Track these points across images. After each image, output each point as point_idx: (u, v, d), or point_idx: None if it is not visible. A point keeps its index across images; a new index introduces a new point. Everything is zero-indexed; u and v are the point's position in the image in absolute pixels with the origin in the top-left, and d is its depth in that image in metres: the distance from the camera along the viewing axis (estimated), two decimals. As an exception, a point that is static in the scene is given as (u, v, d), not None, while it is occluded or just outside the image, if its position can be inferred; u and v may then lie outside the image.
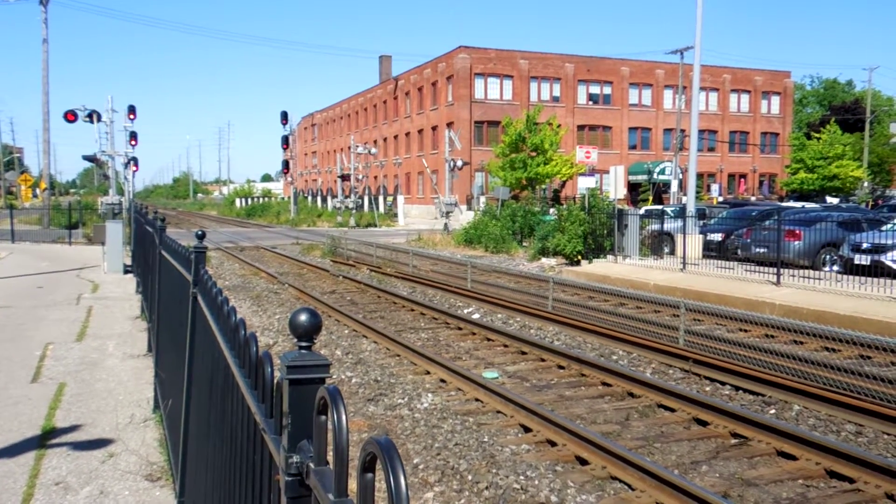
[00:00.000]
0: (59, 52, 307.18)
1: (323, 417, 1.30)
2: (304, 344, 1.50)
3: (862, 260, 15.45)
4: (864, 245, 15.77)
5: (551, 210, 31.00)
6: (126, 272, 18.35)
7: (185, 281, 4.36)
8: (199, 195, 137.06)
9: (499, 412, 7.79)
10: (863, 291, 14.01)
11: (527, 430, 7.23)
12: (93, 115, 26.02)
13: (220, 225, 52.21)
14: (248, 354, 2.02)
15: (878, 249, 15.33)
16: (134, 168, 28.60)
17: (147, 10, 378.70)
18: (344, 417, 1.16)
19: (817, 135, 55.42)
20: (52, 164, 41.80)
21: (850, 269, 15.50)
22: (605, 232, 22.63)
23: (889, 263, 14.97)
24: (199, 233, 4.75)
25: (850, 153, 54.02)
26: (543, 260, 23.53)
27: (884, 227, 16.55)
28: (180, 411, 4.38)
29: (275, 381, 1.70)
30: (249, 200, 75.37)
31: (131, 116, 26.79)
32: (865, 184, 54.60)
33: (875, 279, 14.22)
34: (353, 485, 1.12)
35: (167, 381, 5.87)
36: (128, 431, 6.43)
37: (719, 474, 6.21)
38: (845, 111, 64.17)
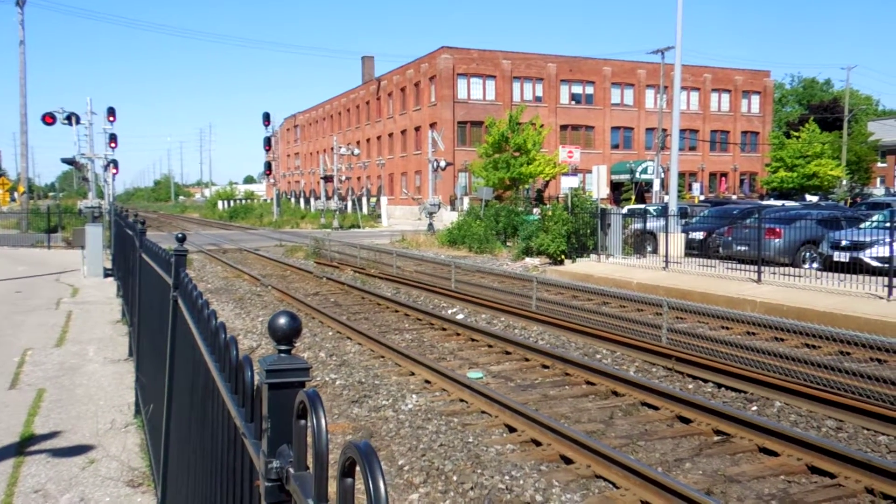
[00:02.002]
0: (36, 53, 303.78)
1: (303, 422, 1.29)
2: (283, 347, 1.49)
3: (841, 257, 15.62)
4: (843, 242, 15.95)
5: (535, 210, 31.07)
6: (106, 276, 18.16)
7: (166, 284, 4.32)
8: (181, 198, 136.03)
9: (483, 412, 7.79)
10: (842, 288, 14.18)
11: (511, 429, 7.23)
12: (71, 118, 25.66)
13: (202, 227, 51.83)
14: (227, 358, 2.00)
15: (857, 247, 15.50)
16: (114, 171, 28.28)
17: (126, 11, 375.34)
18: (323, 422, 1.15)
19: (796, 133, 56.05)
20: (30, 167, 41.31)
21: (829, 266, 15.67)
22: (589, 231, 22.72)
23: (867, 260, 15.14)
24: (180, 235, 4.70)
25: (829, 152, 54.67)
26: (527, 260, 23.58)
27: (862, 225, 16.75)
28: (161, 416, 4.33)
29: (255, 385, 1.68)
30: (232, 202, 74.88)
31: (111, 119, 26.48)
32: (844, 182, 55.28)
33: (854, 276, 14.38)
34: (333, 489, 1.11)
35: (148, 385, 5.81)
36: (108, 437, 6.35)
37: (702, 471, 6.25)
38: (824, 110, 64.91)
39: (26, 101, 36.70)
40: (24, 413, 6.99)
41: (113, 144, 26.98)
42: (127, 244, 9.89)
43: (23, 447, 6.06)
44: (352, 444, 1.00)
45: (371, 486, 0.92)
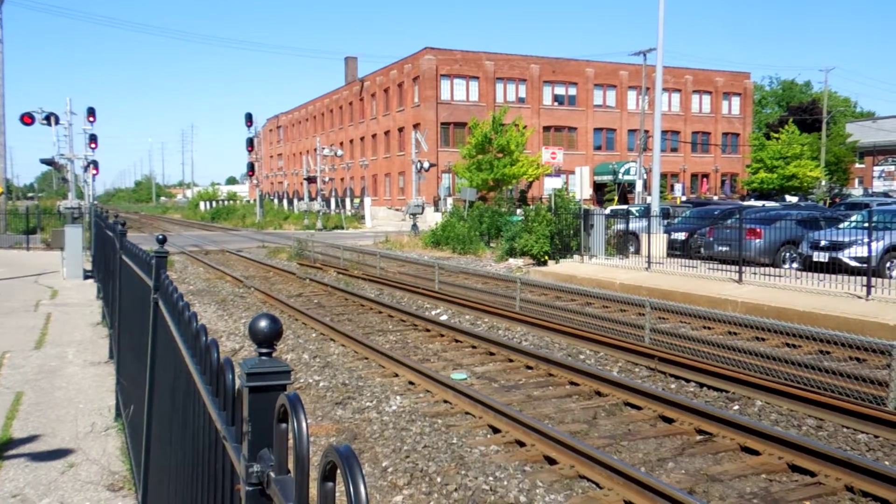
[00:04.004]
0: (15, 53, 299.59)
1: (284, 425, 1.28)
2: (263, 350, 1.47)
3: (820, 257, 15.79)
4: (822, 242, 16.12)
5: (518, 211, 31.15)
6: (86, 278, 17.96)
7: (147, 286, 4.27)
8: (163, 198, 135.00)
9: (467, 413, 7.78)
10: (821, 288, 14.33)
11: (496, 430, 7.24)
12: (51, 118, 25.40)
13: (184, 228, 51.42)
14: (208, 361, 1.98)
15: (836, 247, 15.67)
16: (94, 171, 28.04)
17: (106, 10, 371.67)
18: (304, 426, 1.14)
19: (776, 135, 56.59)
20: (8, 167, 40.79)
21: (809, 266, 15.83)
22: (572, 232, 22.80)
23: (846, 260, 15.32)
24: (161, 237, 4.66)
25: (808, 153, 55.24)
26: (511, 260, 23.62)
27: (841, 225, 16.94)
28: (142, 419, 4.29)
29: (236, 388, 1.67)
30: (214, 203, 74.42)
31: (91, 119, 26.23)
32: (823, 183, 55.91)
33: (833, 276, 14.54)
34: (314, 493, 1.10)
35: (129, 388, 5.75)
36: (88, 441, 6.28)
37: (685, 471, 6.29)
38: (803, 111, 65.57)
39: (4, 101, 36.23)
40: (1, 417, 6.89)
41: (93, 145, 26.71)
42: (107, 246, 9.79)
43: (0, 451, 5.97)
44: (332, 448, 0.99)
45: (352, 490, 0.92)
